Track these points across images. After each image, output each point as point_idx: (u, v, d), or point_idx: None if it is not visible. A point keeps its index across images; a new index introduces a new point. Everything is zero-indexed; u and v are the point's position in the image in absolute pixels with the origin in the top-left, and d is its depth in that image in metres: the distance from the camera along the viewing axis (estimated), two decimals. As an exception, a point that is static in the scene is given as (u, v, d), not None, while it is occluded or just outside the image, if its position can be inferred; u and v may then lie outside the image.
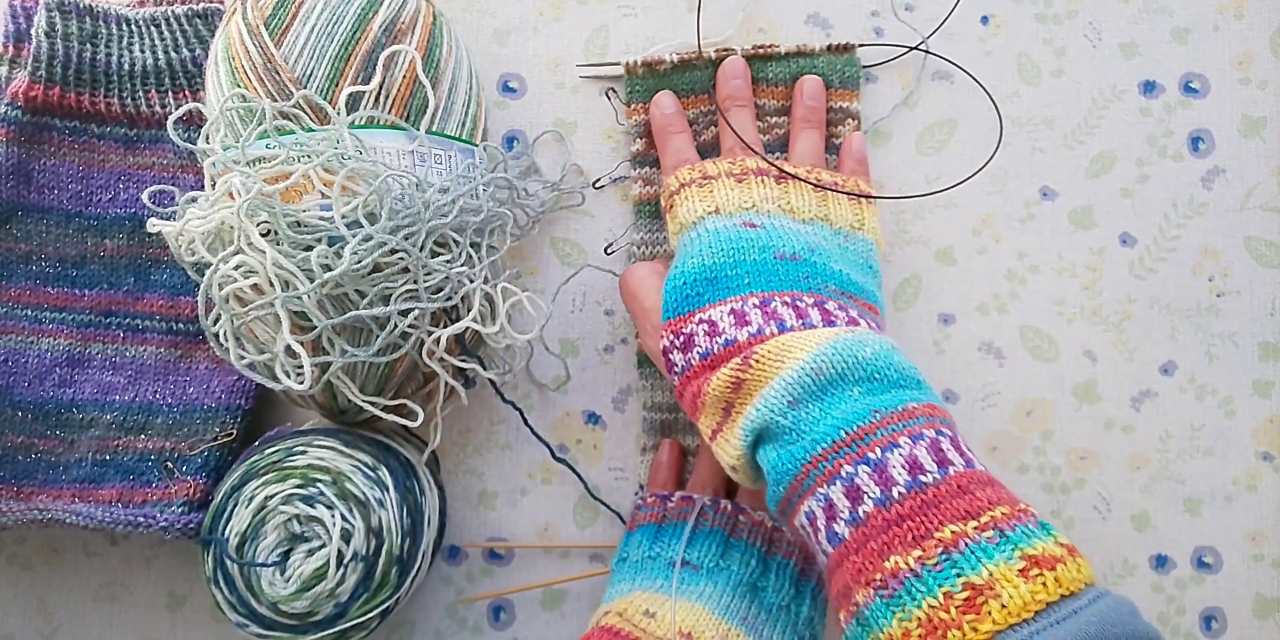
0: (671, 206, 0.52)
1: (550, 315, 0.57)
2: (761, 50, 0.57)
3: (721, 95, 0.56)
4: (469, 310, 0.49)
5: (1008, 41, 0.59)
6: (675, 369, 0.47)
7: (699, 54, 0.56)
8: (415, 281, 0.46)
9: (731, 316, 0.45)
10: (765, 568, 0.50)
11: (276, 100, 0.46)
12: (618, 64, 0.57)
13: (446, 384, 0.49)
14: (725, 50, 0.57)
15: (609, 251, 0.58)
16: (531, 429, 0.55)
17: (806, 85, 0.56)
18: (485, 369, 0.51)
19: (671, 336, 0.47)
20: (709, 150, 0.57)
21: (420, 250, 0.45)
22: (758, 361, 0.43)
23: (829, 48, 0.57)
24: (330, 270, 0.43)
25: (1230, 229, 0.57)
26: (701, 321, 0.46)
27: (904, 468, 0.37)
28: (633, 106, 0.58)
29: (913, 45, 0.58)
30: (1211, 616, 0.56)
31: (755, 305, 0.46)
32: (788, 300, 0.46)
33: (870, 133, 0.58)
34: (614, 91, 0.58)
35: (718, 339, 0.45)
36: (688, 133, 0.56)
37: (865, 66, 0.58)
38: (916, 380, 0.42)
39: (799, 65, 0.57)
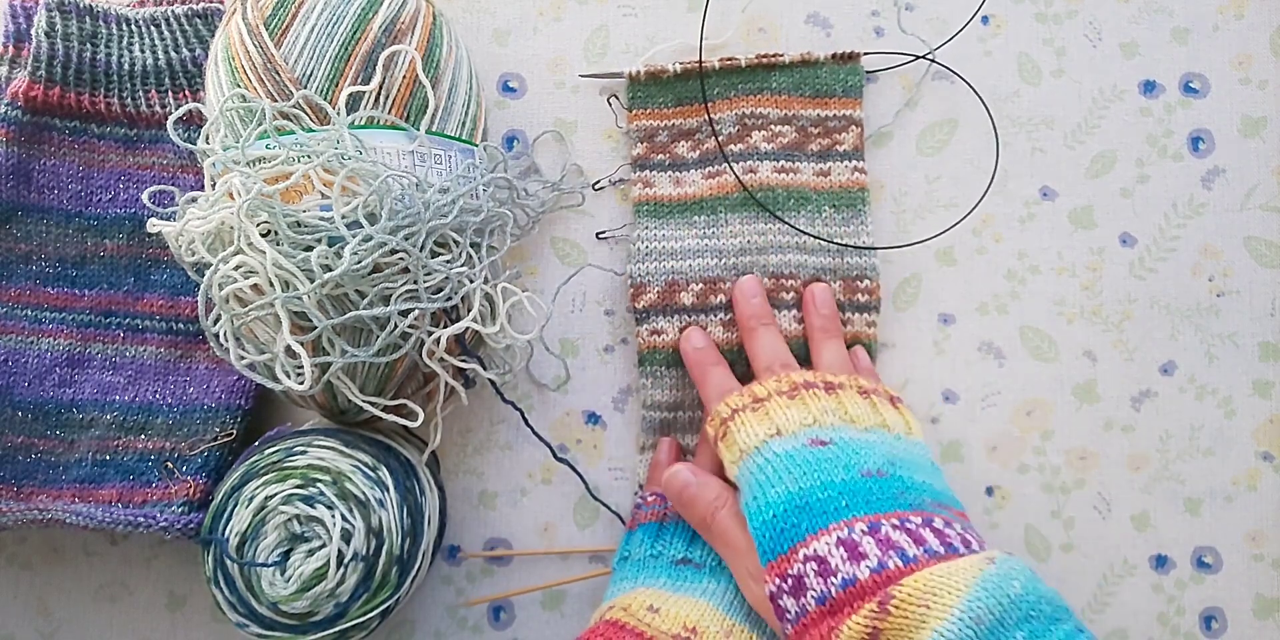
0: (725, 434, 0.48)
1: (550, 315, 0.57)
2: (765, 59, 0.57)
3: (744, 315, 0.53)
4: (469, 310, 0.49)
5: (1008, 41, 0.59)
6: (788, 616, 0.41)
7: (701, 62, 0.56)
8: (415, 282, 0.46)
9: (842, 549, 0.40)
10: None
11: (276, 100, 0.46)
12: (620, 75, 0.57)
13: (446, 384, 0.49)
14: (729, 60, 0.57)
15: (601, 237, 0.58)
16: (532, 428, 0.55)
17: (816, 294, 0.54)
18: (485, 369, 0.51)
19: (778, 581, 0.42)
20: (709, 159, 0.57)
21: (420, 250, 0.45)
22: (898, 608, 0.38)
23: (833, 56, 0.57)
24: (330, 270, 0.43)
25: (1230, 229, 0.57)
26: (809, 559, 0.41)
27: None
28: (634, 112, 0.58)
29: (918, 55, 0.58)
30: (1211, 616, 0.56)
31: (864, 532, 0.41)
32: (896, 523, 0.41)
33: (871, 138, 0.58)
34: (616, 97, 0.58)
35: (833, 579, 0.40)
36: (724, 364, 0.53)
37: (868, 71, 0.58)
38: (1065, 607, 0.39)
39: (803, 74, 0.57)
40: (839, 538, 0.41)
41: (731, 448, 0.47)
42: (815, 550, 0.41)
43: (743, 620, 0.46)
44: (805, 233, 0.55)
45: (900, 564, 0.39)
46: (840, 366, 0.52)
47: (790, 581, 0.41)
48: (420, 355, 0.48)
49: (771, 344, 0.52)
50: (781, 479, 0.44)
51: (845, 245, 0.56)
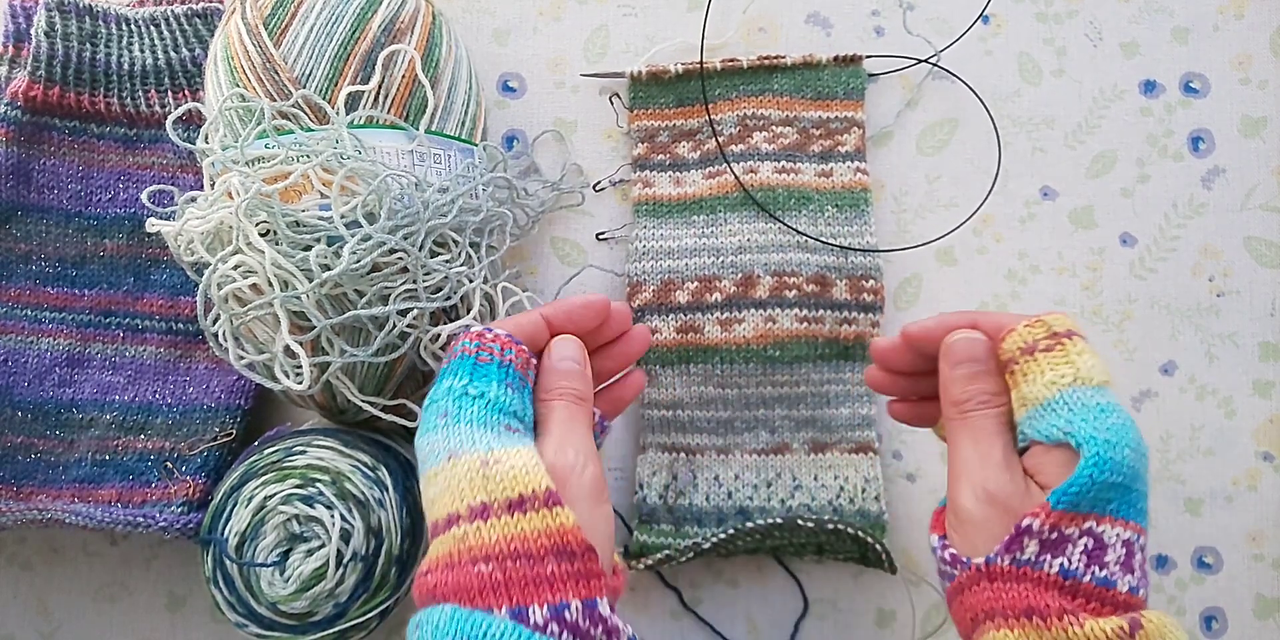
0: (1057, 347, 0.42)
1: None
2: (767, 61, 0.57)
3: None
4: (468, 310, 0.49)
5: (1008, 41, 0.59)
6: (1017, 554, 0.39)
7: (702, 63, 0.56)
8: (414, 281, 0.46)
9: (1124, 550, 0.39)
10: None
11: (275, 100, 0.46)
12: (622, 75, 0.57)
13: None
14: (731, 61, 0.57)
15: (601, 238, 0.58)
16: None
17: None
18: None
19: (1045, 526, 0.39)
20: (710, 160, 0.57)
21: (419, 250, 0.45)
22: (1143, 638, 0.36)
23: (835, 59, 0.57)
24: (329, 270, 0.43)
25: (1230, 229, 0.57)
26: (1089, 534, 0.39)
27: None
28: (635, 112, 0.58)
29: (920, 58, 0.58)
30: (1212, 617, 0.56)
31: (1141, 547, 0.40)
32: (1145, 543, 0.40)
33: (872, 138, 0.58)
34: (617, 96, 0.58)
35: (1096, 570, 0.38)
36: None
37: (870, 74, 0.58)
38: None
39: (805, 76, 0.57)
40: (1127, 539, 0.39)
41: (1063, 366, 0.42)
42: (1104, 534, 0.39)
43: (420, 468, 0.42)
44: (803, 234, 0.55)
45: (1142, 599, 0.39)
46: None
47: (1055, 535, 0.39)
48: (419, 355, 0.48)
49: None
50: (1126, 444, 0.40)
51: (844, 247, 0.56)
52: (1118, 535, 0.39)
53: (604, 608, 0.38)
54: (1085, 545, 0.39)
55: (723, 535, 0.52)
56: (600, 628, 0.37)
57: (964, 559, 0.40)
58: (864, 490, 0.54)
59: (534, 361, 0.44)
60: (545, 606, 0.37)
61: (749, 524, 0.52)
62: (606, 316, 0.46)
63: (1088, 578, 0.38)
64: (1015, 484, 0.41)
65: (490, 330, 0.43)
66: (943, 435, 0.45)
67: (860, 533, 0.51)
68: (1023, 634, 0.38)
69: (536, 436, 0.42)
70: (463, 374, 0.42)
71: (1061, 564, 0.39)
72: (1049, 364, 0.42)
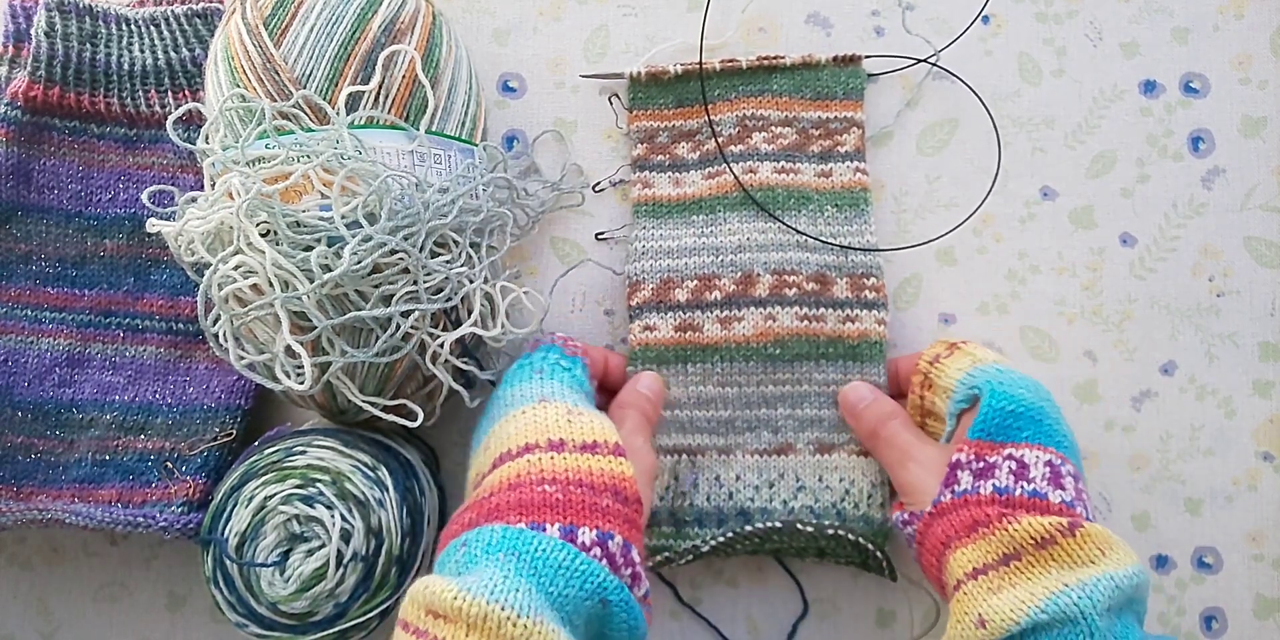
0: (953, 353, 0.51)
1: (548, 309, 0.57)
2: (766, 61, 0.57)
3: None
4: (469, 311, 0.49)
5: (1008, 41, 0.59)
6: (955, 487, 0.45)
7: (701, 64, 0.56)
8: (415, 282, 0.46)
9: (1047, 469, 0.45)
10: (528, 355, 0.51)
11: (276, 100, 0.46)
12: (621, 75, 0.57)
13: (448, 386, 0.49)
14: (730, 61, 0.57)
15: (600, 238, 0.58)
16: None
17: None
18: (485, 369, 0.51)
19: (973, 457, 0.46)
20: (709, 160, 0.57)
21: (420, 251, 0.45)
22: (1083, 537, 0.41)
23: (834, 59, 0.57)
24: (330, 271, 0.43)
25: (1230, 229, 0.57)
26: (1011, 458, 0.45)
27: None
28: (635, 112, 0.58)
29: (920, 58, 0.58)
30: (1211, 617, 0.56)
31: (1070, 472, 0.45)
32: (1076, 472, 0.46)
33: (872, 138, 0.58)
34: (617, 96, 0.58)
35: (1024, 484, 0.44)
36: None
37: (870, 75, 0.58)
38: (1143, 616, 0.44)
39: (804, 76, 0.57)
40: (1049, 461, 0.45)
41: (962, 359, 0.50)
42: (1022, 456, 0.45)
43: (501, 411, 0.48)
44: (802, 233, 0.55)
45: (1083, 515, 0.44)
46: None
47: (982, 464, 0.45)
48: (424, 359, 0.48)
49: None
50: (1020, 386, 0.47)
51: (843, 247, 0.56)
52: (1037, 457, 0.45)
53: (636, 554, 0.42)
54: (1009, 467, 0.45)
55: (722, 538, 0.52)
56: (630, 569, 0.41)
57: (918, 511, 0.47)
58: (869, 496, 0.53)
59: (595, 379, 0.52)
60: (595, 530, 0.40)
61: (749, 527, 0.52)
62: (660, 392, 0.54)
63: (1018, 491, 0.44)
64: (937, 449, 0.49)
65: (572, 339, 0.52)
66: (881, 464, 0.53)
67: (861, 539, 0.51)
68: (974, 547, 0.43)
69: None
70: (556, 352, 0.50)
71: (993, 484, 0.44)
72: (952, 362, 0.51)
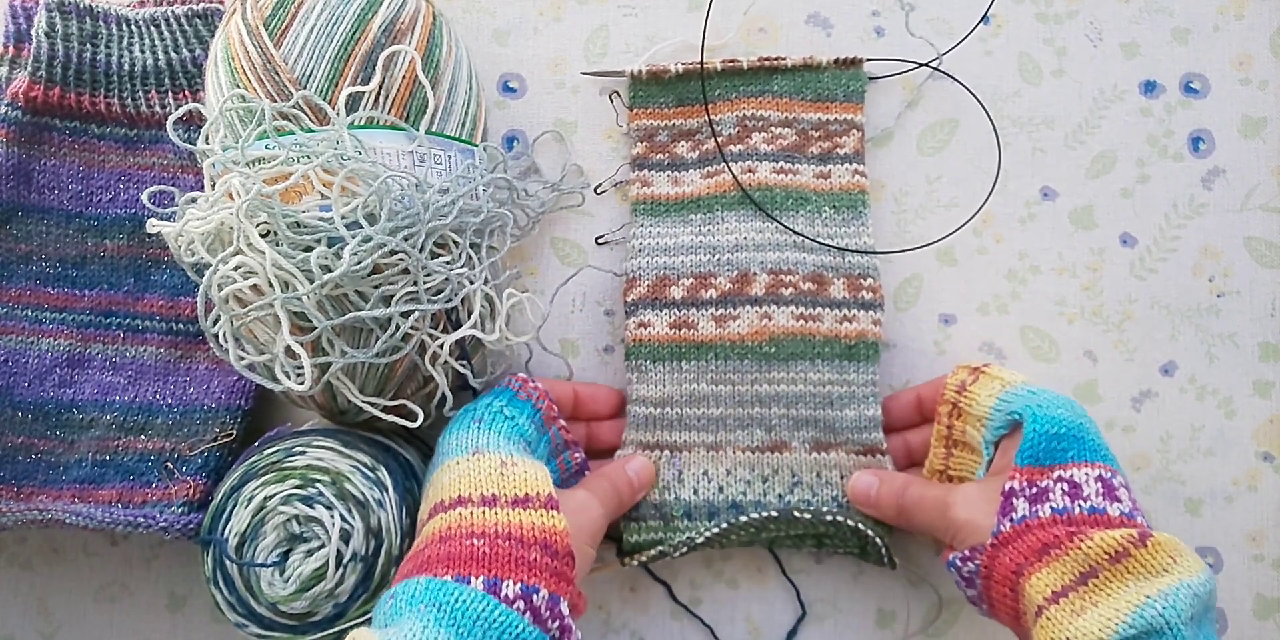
0: (979, 378, 0.51)
1: (548, 316, 0.57)
2: (767, 62, 0.57)
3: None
4: (469, 311, 0.49)
5: (1008, 41, 0.59)
6: (1013, 515, 0.45)
7: (703, 63, 0.56)
8: (415, 282, 0.46)
9: (1100, 484, 0.45)
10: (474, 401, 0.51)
11: (276, 100, 0.46)
12: (622, 73, 0.57)
13: (445, 386, 0.49)
14: (731, 61, 0.57)
15: (600, 242, 0.58)
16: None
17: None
18: (482, 373, 0.51)
19: (1025, 484, 0.45)
20: (708, 160, 0.57)
21: (420, 251, 0.45)
22: (1154, 546, 0.41)
23: (835, 61, 0.57)
24: (330, 271, 0.43)
25: (1230, 229, 0.57)
26: (1061, 480, 0.45)
27: None
28: (635, 111, 0.58)
29: (921, 62, 0.58)
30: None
31: (1122, 483, 0.45)
32: (1126, 483, 0.46)
33: (872, 139, 0.58)
34: (617, 94, 0.59)
35: (1081, 502, 0.44)
36: None
37: (871, 78, 0.58)
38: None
39: (805, 78, 0.57)
40: (1100, 475, 0.45)
41: (991, 384, 0.50)
42: (1072, 476, 0.45)
43: (441, 458, 0.48)
44: (799, 234, 0.55)
45: (1144, 524, 0.44)
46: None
47: (1035, 489, 0.45)
48: (423, 360, 0.48)
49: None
50: (1059, 405, 0.48)
51: (841, 248, 0.56)
52: (1087, 474, 0.45)
53: (565, 607, 0.42)
54: (1063, 488, 0.45)
55: (716, 529, 0.52)
56: (557, 622, 0.41)
57: (979, 546, 0.46)
58: None
59: (559, 420, 0.52)
60: (519, 584, 0.41)
61: (744, 518, 0.52)
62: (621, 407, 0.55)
63: (1077, 509, 0.44)
64: (973, 486, 0.49)
65: (533, 380, 0.52)
66: (924, 532, 0.52)
67: (860, 525, 0.51)
68: (1049, 569, 0.42)
69: (565, 487, 0.50)
70: (502, 399, 0.50)
71: (1051, 506, 0.44)
72: (980, 388, 0.51)
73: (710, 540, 0.52)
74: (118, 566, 0.57)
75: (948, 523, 0.48)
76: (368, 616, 0.47)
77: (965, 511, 0.47)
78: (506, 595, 0.40)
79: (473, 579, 0.40)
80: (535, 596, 0.41)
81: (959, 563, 0.47)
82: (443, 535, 0.43)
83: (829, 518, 0.51)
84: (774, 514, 0.51)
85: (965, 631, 0.55)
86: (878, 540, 0.52)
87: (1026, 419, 0.47)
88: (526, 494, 0.44)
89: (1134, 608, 0.39)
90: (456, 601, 0.39)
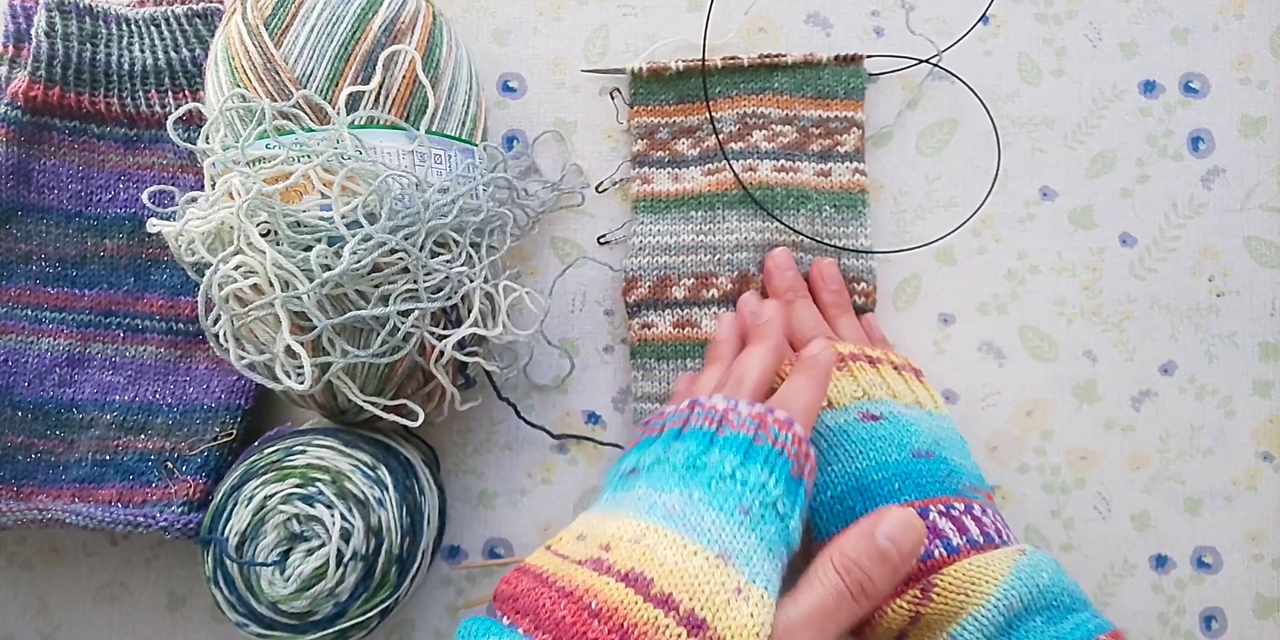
0: None
1: (548, 309, 0.57)
2: (768, 59, 0.57)
3: (779, 288, 0.53)
4: (469, 310, 0.49)
5: (1008, 41, 0.59)
6: None
7: (704, 60, 0.57)
8: (415, 281, 0.46)
9: (950, 522, 0.43)
10: (710, 445, 0.39)
11: (276, 100, 0.46)
12: (623, 71, 0.57)
13: (449, 384, 0.49)
14: (731, 59, 0.57)
15: (602, 241, 0.58)
16: (525, 419, 0.55)
17: (824, 271, 0.54)
18: (473, 383, 0.51)
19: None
20: (709, 157, 0.57)
21: (420, 250, 0.45)
22: (939, 595, 0.40)
23: (836, 58, 0.57)
24: (330, 270, 0.43)
25: (1230, 229, 0.57)
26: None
27: None
28: (636, 108, 0.58)
29: (921, 59, 0.58)
30: (1211, 616, 0.56)
31: (970, 510, 0.44)
32: (942, 509, 0.43)
33: (872, 138, 0.58)
34: (618, 91, 0.59)
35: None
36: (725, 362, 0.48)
37: (871, 74, 0.58)
38: (1084, 600, 0.42)
39: (805, 75, 0.57)
40: (947, 513, 0.43)
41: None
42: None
43: (661, 519, 0.37)
44: (801, 234, 0.55)
45: (944, 553, 0.42)
46: (859, 340, 0.53)
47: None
48: (427, 361, 0.48)
49: (812, 316, 0.53)
50: (838, 456, 0.45)
51: (841, 248, 0.56)
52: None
53: None
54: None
55: None
56: None
57: None
58: None
59: (810, 451, 0.40)
60: None
61: None
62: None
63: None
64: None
65: (773, 411, 0.39)
66: None
67: None
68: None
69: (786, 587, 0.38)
70: (779, 480, 0.38)
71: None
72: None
73: None
74: (118, 566, 0.57)
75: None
76: (368, 616, 0.47)
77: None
78: None
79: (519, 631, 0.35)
80: None
81: None
82: (579, 594, 0.35)
83: None
84: None
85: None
86: None
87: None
88: (705, 620, 0.33)
89: None
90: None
